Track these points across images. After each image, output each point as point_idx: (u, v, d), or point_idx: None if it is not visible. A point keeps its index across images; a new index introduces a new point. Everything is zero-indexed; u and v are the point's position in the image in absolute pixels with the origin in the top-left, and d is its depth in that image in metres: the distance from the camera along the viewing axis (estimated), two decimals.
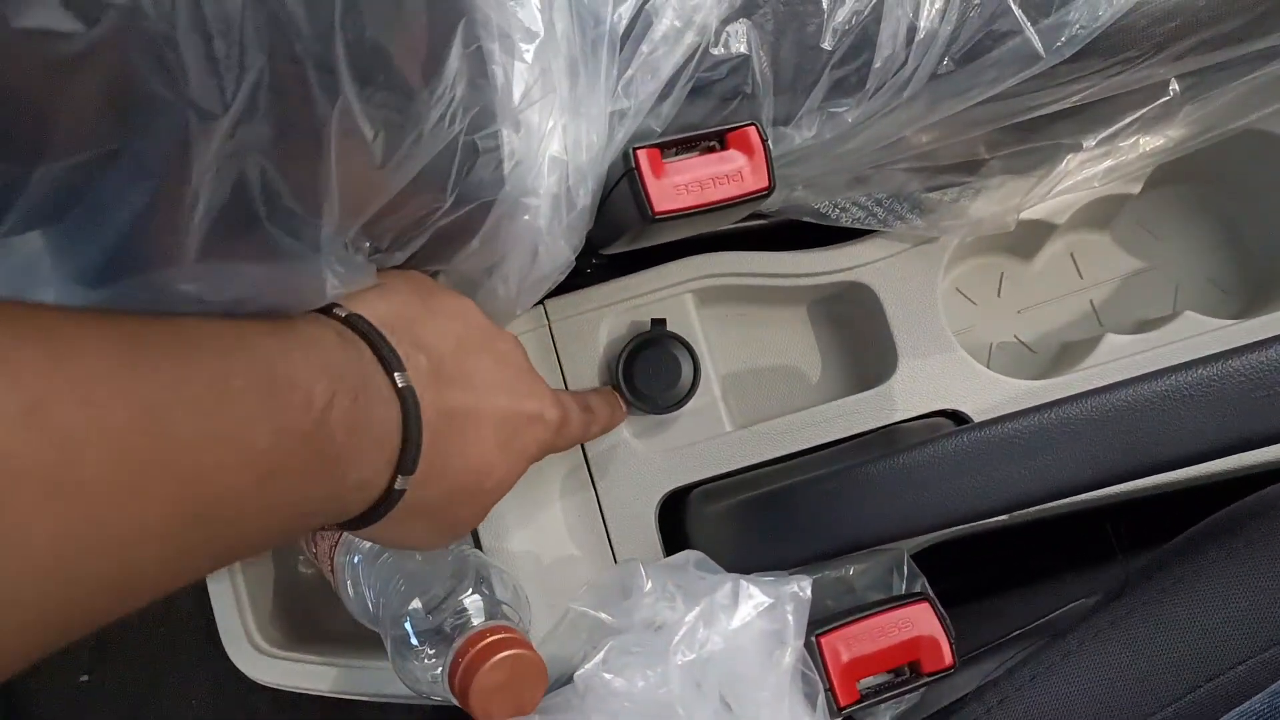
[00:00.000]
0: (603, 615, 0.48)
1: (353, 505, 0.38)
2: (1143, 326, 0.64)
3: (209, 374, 0.30)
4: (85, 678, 0.96)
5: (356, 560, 0.55)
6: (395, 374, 0.38)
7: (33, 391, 0.25)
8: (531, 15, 0.42)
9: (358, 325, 0.39)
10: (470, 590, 0.50)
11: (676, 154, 0.46)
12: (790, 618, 0.40)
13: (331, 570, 0.57)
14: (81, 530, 0.26)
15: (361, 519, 0.39)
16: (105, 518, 0.27)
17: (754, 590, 0.40)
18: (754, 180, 0.46)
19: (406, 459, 0.38)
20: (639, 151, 0.45)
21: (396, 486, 0.38)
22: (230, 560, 0.35)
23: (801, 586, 0.40)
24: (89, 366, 0.27)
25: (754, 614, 0.39)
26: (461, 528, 0.46)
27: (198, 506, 0.30)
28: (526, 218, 0.45)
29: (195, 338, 0.31)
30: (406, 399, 0.38)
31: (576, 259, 0.51)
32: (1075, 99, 0.53)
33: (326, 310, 0.39)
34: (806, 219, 0.60)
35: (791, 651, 0.40)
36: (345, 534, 0.56)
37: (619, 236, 0.49)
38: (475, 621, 0.48)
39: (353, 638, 0.63)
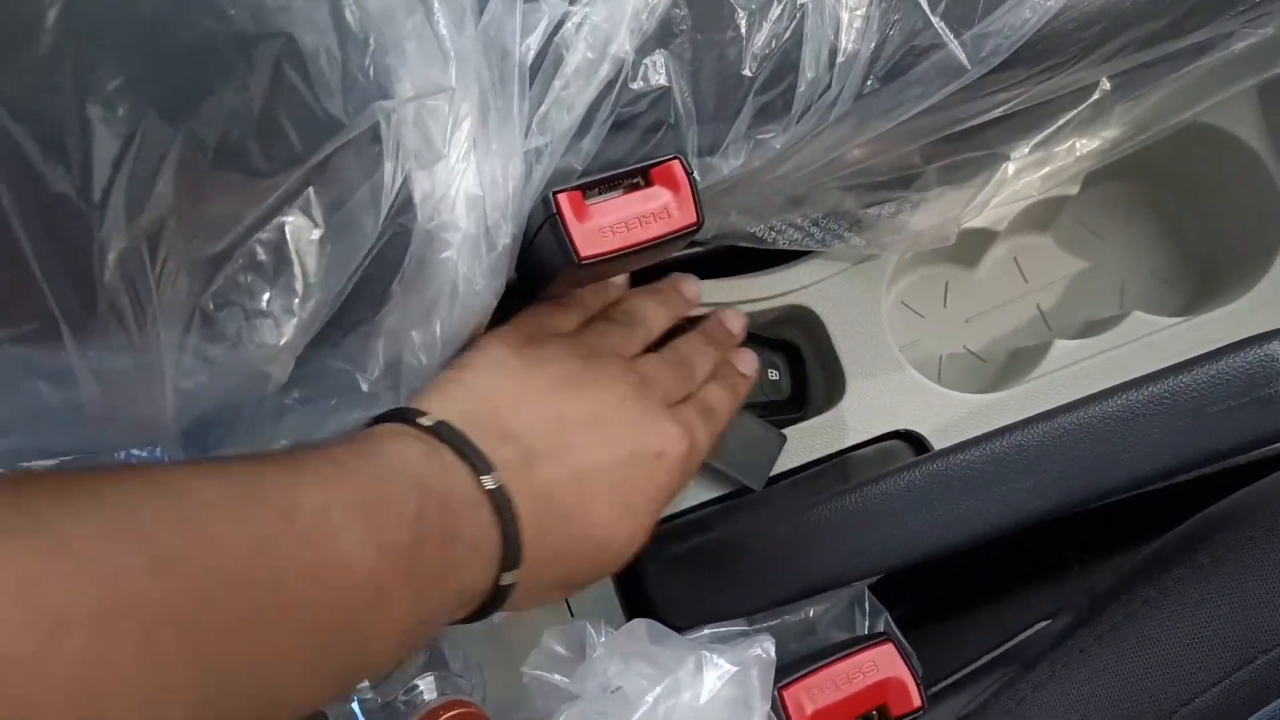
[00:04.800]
0: (557, 678, 0.46)
1: (462, 608, 0.39)
2: (1091, 328, 0.63)
3: (314, 503, 0.32)
4: None
5: None
6: (482, 477, 0.38)
7: (160, 544, 0.27)
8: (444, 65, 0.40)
9: (440, 432, 0.39)
10: (421, 665, 0.48)
11: (600, 194, 0.44)
12: (756, 682, 0.38)
13: None
14: (219, 668, 0.27)
15: (476, 616, 0.40)
16: (239, 654, 0.28)
17: (719, 661, 0.38)
18: (681, 216, 0.44)
19: (509, 557, 0.38)
20: (560, 195, 0.43)
21: (503, 583, 0.38)
22: (360, 679, 0.39)
23: (765, 648, 0.39)
24: (209, 511, 0.29)
25: (719, 684, 0.38)
26: (591, 584, 0.45)
27: (320, 632, 0.31)
28: (445, 255, 0.43)
29: (298, 468, 0.33)
30: (497, 499, 0.38)
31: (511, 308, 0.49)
32: (1005, 107, 0.51)
33: (409, 418, 0.40)
34: (742, 244, 0.58)
35: (758, 716, 0.38)
36: None
37: (547, 283, 0.47)
38: (427, 698, 0.46)
39: None
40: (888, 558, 0.42)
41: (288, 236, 0.36)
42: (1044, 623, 0.51)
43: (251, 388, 0.39)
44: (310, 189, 0.35)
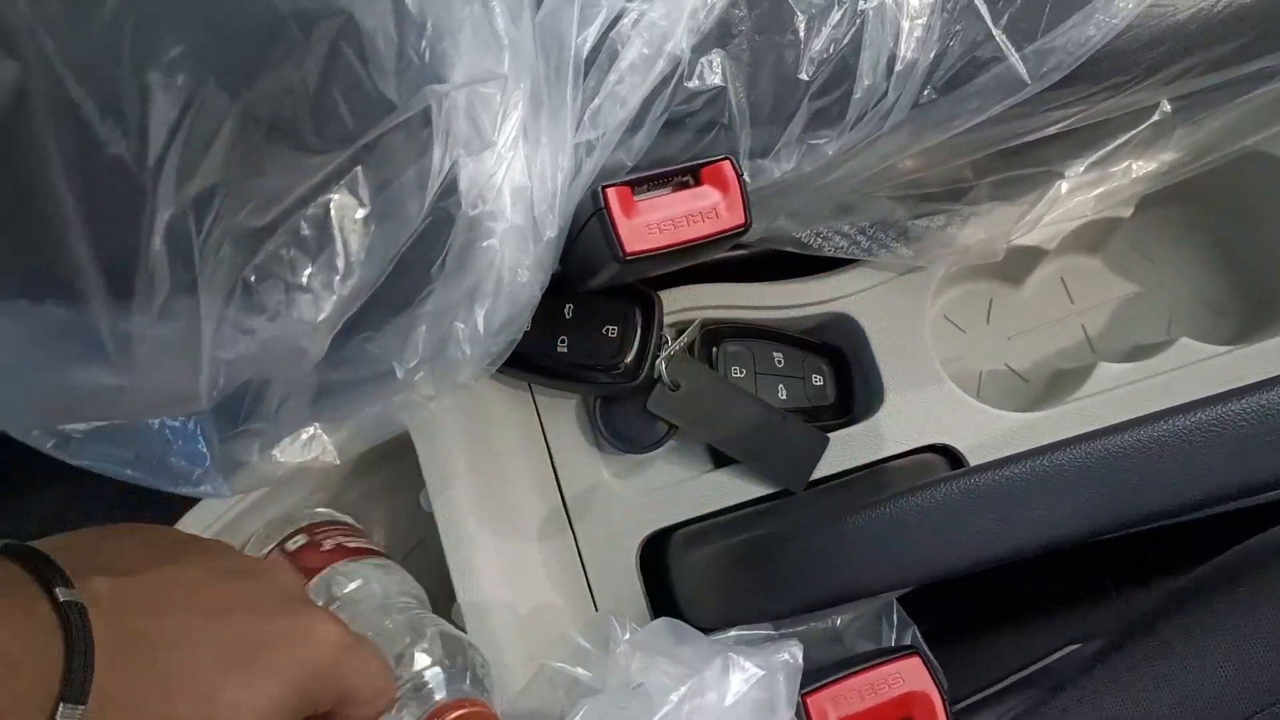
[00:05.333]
0: (579, 671, 0.46)
1: None
2: (1137, 353, 0.62)
3: None
4: None
5: None
6: (55, 589, 0.33)
7: None
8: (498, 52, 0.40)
9: (15, 549, 0.35)
10: (429, 661, 0.47)
11: (648, 190, 0.44)
12: (782, 687, 0.38)
13: None
14: None
15: None
16: None
17: (746, 664, 0.38)
18: (730, 217, 0.44)
19: (72, 683, 0.32)
20: (608, 190, 0.43)
21: (59, 716, 0.32)
22: None
23: (793, 654, 0.39)
24: None
25: (746, 687, 0.37)
26: None
27: None
28: (488, 243, 0.42)
29: None
30: (68, 613, 0.33)
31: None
32: (1063, 124, 0.51)
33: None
34: (788, 249, 0.58)
35: None
36: None
37: (590, 277, 0.47)
38: (437, 696, 0.45)
39: None
40: (919, 571, 0.42)
41: (332, 214, 0.36)
42: (1074, 645, 0.51)
43: (287, 362, 0.39)
44: (359, 168, 0.35)
